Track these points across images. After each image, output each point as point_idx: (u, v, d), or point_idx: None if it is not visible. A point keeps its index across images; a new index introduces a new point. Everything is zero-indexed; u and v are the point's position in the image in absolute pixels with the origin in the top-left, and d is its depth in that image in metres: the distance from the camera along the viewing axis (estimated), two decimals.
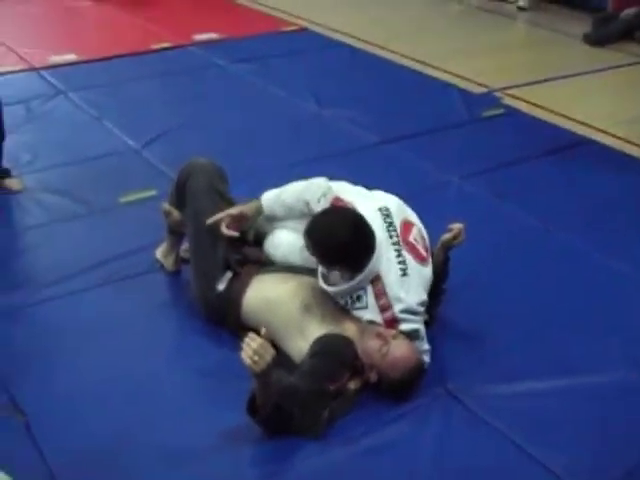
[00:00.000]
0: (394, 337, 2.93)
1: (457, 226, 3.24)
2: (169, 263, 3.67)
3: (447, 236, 3.22)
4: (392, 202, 3.24)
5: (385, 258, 3.01)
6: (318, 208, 3.15)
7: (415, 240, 3.13)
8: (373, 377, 2.95)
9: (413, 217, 3.26)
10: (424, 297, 3.09)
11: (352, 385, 2.95)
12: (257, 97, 5.88)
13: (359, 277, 2.97)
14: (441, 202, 4.32)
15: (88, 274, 3.67)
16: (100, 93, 5.85)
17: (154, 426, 2.84)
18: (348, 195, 3.23)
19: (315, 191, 3.22)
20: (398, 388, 2.95)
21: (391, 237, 3.07)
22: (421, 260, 3.11)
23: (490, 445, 2.82)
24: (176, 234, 3.60)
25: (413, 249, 3.10)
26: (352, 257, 2.97)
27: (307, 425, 2.77)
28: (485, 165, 4.81)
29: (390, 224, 3.10)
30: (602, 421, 2.94)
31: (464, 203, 4.39)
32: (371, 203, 3.18)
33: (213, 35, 7.18)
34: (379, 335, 2.93)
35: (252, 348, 2.56)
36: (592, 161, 4.93)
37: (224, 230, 3.24)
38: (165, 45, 6.92)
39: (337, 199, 3.20)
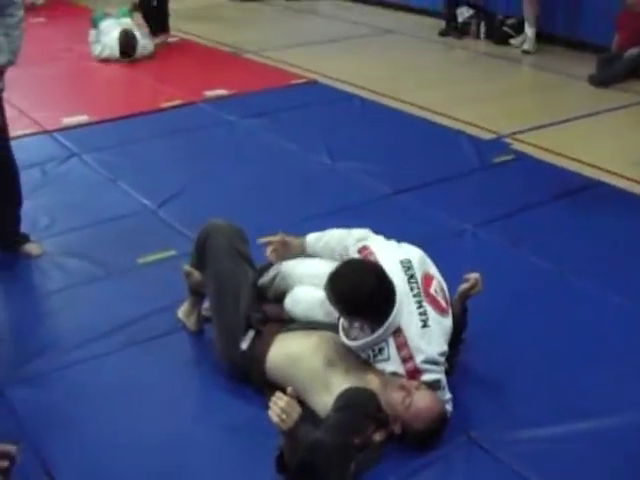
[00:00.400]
0: (417, 388, 2.97)
1: (474, 276, 3.29)
2: (191, 323, 3.72)
3: (464, 286, 3.28)
4: (415, 254, 3.29)
5: (406, 310, 3.06)
6: (351, 251, 3.29)
7: (435, 292, 3.18)
8: (397, 429, 2.99)
9: (433, 270, 3.31)
10: (445, 347, 3.13)
11: (377, 437, 2.98)
12: (269, 152, 5.95)
13: (381, 330, 3.02)
14: (457, 251, 4.36)
15: (111, 337, 3.72)
16: (113, 154, 5.93)
17: None
18: (375, 246, 3.30)
19: (355, 238, 3.37)
20: (422, 438, 2.99)
21: (412, 289, 3.12)
22: (441, 311, 3.15)
23: None
24: (197, 294, 3.66)
25: (434, 301, 3.15)
26: (374, 309, 3.02)
27: (335, 479, 2.80)
28: (498, 212, 4.87)
29: (411, 276, 3.15)
30: (626, 462, 2.96)
31: (479, 251, 4.46)
32: (393, 255, 3.24)
33: (222, 91, 7.29)
34: (402, 387, 2.97)
35: (279, 406, 2.61)
36: (603, 203, 4.99)
37: (268, 252, 3.48)
38: (175, 103, 7.02)
39: (364, 247, 3.29)
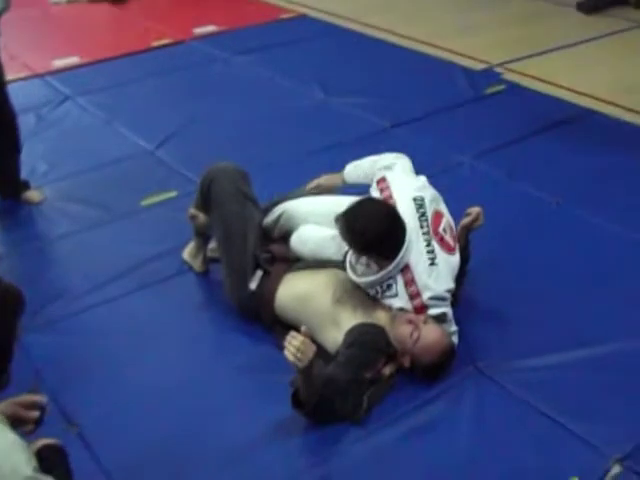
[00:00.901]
0: (424, 322, 3.06)
1: (475, 209, 3.36)
2: (197, 264, 3.79)
3: (466, 220, 3.35)
4: (428, 192, 3.35)
5: (415, 248, 3.13)
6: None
7: (444, 231, 3.25)
8: (406, 362, 3.09)
9: (444, 207, 3.38)
10: (451, 285, 3.21)
11: (387, 371, 3.09)
12: (263, 88, 5.97)
13: (390, 267, 3.10)
14: (456, 183, 4.40)
15: (121, 280, 3.78)
16: (107, 95, 5.93)
17: (204, 425, 2.97)
18: (392, 179, 3.38)
19: (381, 165, 3.51)
20: (431, 370, 3.09)
21: (422, 227, 3.19)
22: (449, 250, 3.23)
23: (524, 418, 2.96)
24: (203, 236, 3.72)
25: (442, 240, 3.22)
26: (384, 247, 3.10)
27: (349, 412, 2.92)
28: (493, 143, 4.94)
29: (423, 214, 3.22)
30: (627, 389, 3.08)
31: (477, 183, 4.53)
32: (408, 191, 3.30)
33: (212, 28, 7.26)
34: (409, 321, 3.06)
35: (295, 345, 2.69)
36: (596, 132, 5.06)
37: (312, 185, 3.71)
38: (166, 41, 6.99)
39: (382, 179, 3.38)
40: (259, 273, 3.38)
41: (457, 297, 3.37)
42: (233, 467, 2.77)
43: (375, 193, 3.35)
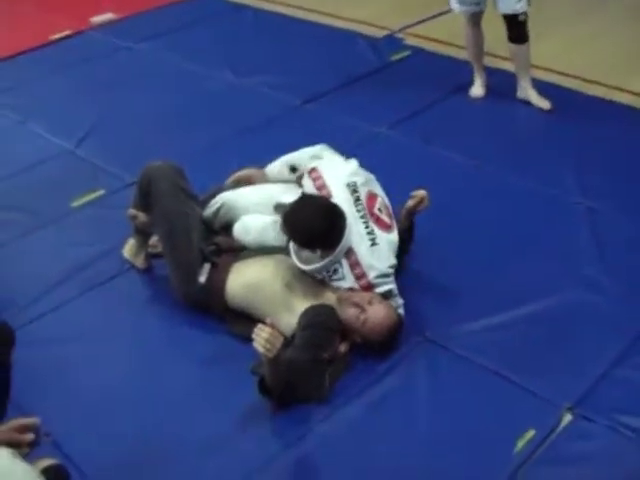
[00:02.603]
0: (369, 303, 3.20)
1: (420, 193, 3.49)
2: (140, 262, 3.84)
3: (410, 203, 3.47)
4: (360, 176, 3.47)
5: (355, 232, 3.27)
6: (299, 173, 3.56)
7: (379, 210, 3.39)
8: (357, 338, 3.23)
9: (377, 188, 3.50)
10: (393, 261, 3.36)
11: (342, 348, 3.22)
12: (171, 74, 5.96)
13: (332, 256, 3.23)
14: (375, 155, 4.37)
15: (64, 286, 3.79)
16: (14, 96, 5.82)
17: (175, 419, 3.06)
18: (323, 168, 3.48)
19: (308, 156, 3.60)
20: (382, 346, 3.24)
21: (359, 211, 3.32)
22: (386, 228, 3.37)
23: (477, 380, 3.15)
24: (144, 233, 3.78)
25: (379, 220, 3.36)
26: (327, 240, 3.22)
27: (313, 392, 3.06)
28: (407, 111, 5.09)
29: (357, 199, 3.35)
30: (566, 340, 3.29)
31: (394, 152, 4.67)
32: (341, 178, 3.42)
33: (111, 15, 7.17)
34: (355, 304, 3.20)
35: (263, 337, 2.80)
36: (503, 91, 5.19)
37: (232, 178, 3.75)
38: (65, 34, 6.87)
39: (313, 169, 3.48)
40: (207, 266, 3.45)
41: (401, 265, 3.51)
42: (211, 456, 2.88)
43: (308, 182, 3.45)
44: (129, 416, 3.10)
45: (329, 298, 3.27)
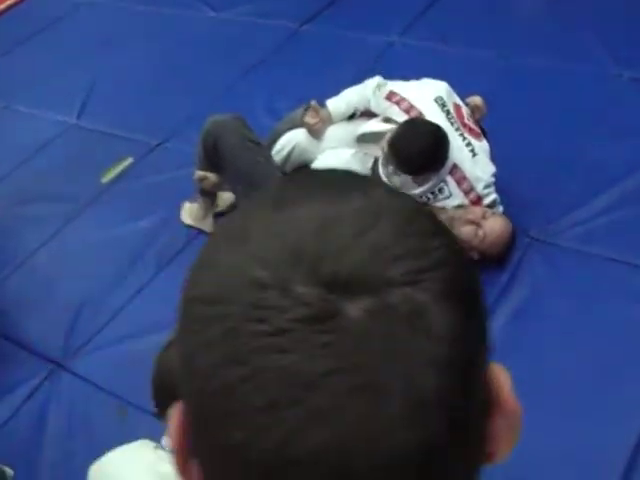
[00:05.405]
0: (484, 217, 3.14)
1: (475, 99, 3.41)
2: (207, 225, 3.66)
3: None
4: (440, 87, 3.36)
5: (455, 147, 3.18)
6: (374, 100, 3.37)
7: (468, 119, 3.31)
8: (475, 256, 3.14)
9: (456, 97, 3.40)
10: (493, 167, 3.29)
11: None
12: (145, 25, 5.57)
13: (439, 174, 3.14)
14: (395, 68, 4.09)
15: (138, 267, 3.63)
16: None
17: None
18: (402, 89, 3.36)
19: (372, 87, 3.41)
20: (501, 256, 3.18)
21: (452, 124, 3.23)
22: (478, 136, 3.30)
23: (597, 268, 3.11)
24: (211, 195, 3.63)
25: (471, 130, 3.28)
26: (439, 163, 3.14)
27: None
28: (413, 11, 4.85)
29: (448, 112, 3.26)
30: None
31: (417, 60, 4.42)
32: (427, 95, 3.31)
33: None
34: (470, 221, 3.13)
35: None
36: None
37: (308, 119, 3.46)
38: (9, 2, 6.42)
39: (391, 93, 3.35)
40: None
41: None
42: None
43: (391, 108, 3.33)
44: None
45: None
